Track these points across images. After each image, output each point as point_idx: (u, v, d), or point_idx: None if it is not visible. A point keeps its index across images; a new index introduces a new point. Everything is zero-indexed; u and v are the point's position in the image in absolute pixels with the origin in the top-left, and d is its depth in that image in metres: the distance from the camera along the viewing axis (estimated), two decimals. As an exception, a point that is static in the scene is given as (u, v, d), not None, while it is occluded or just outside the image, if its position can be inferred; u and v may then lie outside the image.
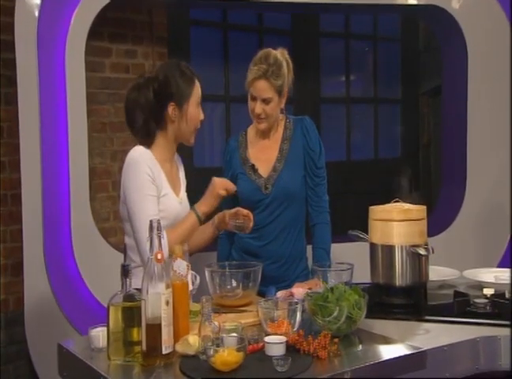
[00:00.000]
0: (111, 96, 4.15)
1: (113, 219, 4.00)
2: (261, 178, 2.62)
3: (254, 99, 2.54)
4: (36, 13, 3.26)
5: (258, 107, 2.53)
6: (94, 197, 3.79)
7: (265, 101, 2.53)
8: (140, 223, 2.16)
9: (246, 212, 2.36)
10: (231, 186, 2.37)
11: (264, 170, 2.63)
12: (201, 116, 2.36)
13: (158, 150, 2.30)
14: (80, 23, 3.36)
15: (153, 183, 2.22)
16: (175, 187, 2.37)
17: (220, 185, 2.34)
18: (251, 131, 2.71)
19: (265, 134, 2.66)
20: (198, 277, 2.14)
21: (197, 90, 2.33)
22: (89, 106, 3.53)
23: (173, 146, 2.37)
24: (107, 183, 4.10)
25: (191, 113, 2.31)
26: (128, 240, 2.31)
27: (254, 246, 2.60)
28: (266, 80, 2.50)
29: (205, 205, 2.31)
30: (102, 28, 3.92)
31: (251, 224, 2.36)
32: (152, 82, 2.29)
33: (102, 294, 3.17)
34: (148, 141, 2.30)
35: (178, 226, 2.27)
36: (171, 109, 2.28)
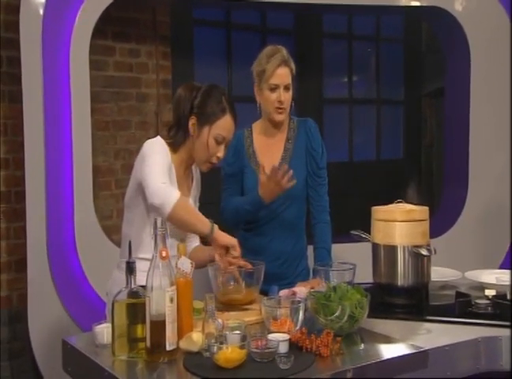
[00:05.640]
0: (115, 95, 4.16)
1: (116, 217, 4.02)
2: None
3: (275, 88, 2.55)
4: (41, 12, 3.27)
5: (283, 95, 2.55)
6: (97, 195, 3.80)
7: (286, 88, 2.56)
8: (150, 169, 2.12)
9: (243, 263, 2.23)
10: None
11: (269, 167, 2.64)
12: (220, 153, 2.29)
13: (177, 154, 2.28)
14: (85, 22, 3.37)
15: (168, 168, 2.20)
16: (182, 193, 2.30)
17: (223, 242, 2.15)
18: (256, 127, 2.72)
19: (270, 132, 2.67)
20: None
21: (222, 125, 2.26)
22: (93, 105, 3.54)
23: (190, 159, 2.32)
24: (110, 181, 4.11)
25: (210, 143, 2.26)
26: (125, 228, 2.30)
27: (256, 243, 2.61)
28: (287, 67, 2.56)
29: (222, 235, 2.15)
30: (106, 27, 3.93)
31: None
32: (196, 90, 2.28)
33: (104, 291, 3.17)
34: (173, 144, 2.28)
35: (192, 210, 2.19)
36: (191, 122, 2.26)
